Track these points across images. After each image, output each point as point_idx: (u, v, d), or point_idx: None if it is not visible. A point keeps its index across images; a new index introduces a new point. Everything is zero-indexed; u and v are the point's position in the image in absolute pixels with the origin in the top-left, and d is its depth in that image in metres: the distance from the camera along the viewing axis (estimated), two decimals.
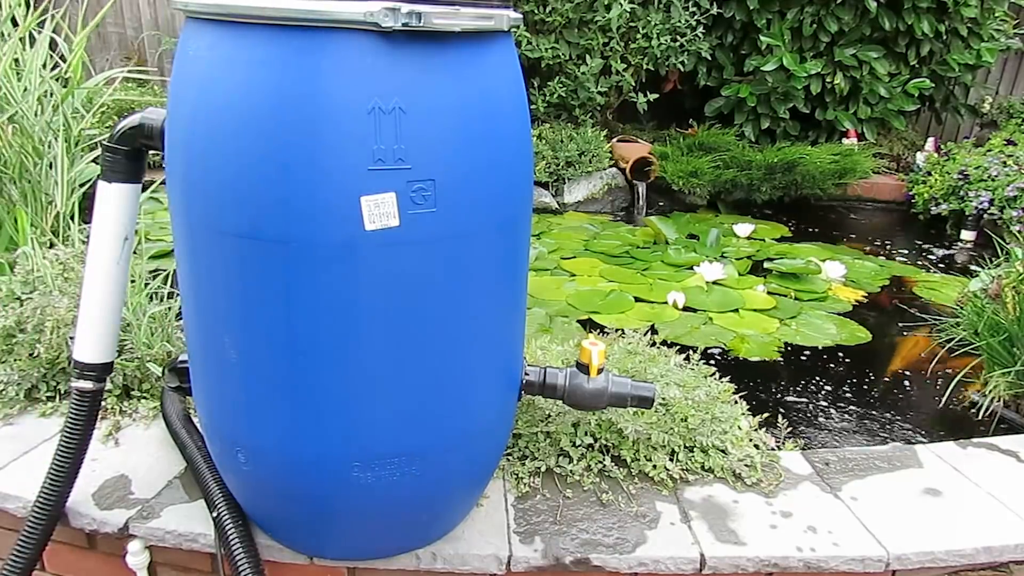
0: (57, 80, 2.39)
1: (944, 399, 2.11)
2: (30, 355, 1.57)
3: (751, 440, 1.53)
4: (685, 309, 2.72)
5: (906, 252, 3.61)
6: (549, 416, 1.47)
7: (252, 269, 0.93)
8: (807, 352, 2.43)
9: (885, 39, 4.24)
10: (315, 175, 0.87)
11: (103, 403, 1.47)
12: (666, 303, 2.75)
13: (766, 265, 3.19)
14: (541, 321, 2.55)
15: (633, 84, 4.23)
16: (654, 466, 1.43)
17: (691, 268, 3.11)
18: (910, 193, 4.21)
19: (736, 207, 4.13)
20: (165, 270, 1.93)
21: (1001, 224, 3.46)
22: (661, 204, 4.17)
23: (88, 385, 1.19)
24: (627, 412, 1.45)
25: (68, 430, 1.19)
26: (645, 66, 4.19)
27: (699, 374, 1.63)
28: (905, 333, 2.60)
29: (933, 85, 4.39)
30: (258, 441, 1.04)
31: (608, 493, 1.38)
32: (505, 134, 0.99)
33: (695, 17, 4.10)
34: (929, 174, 4.10)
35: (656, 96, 4.30)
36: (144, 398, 1.60)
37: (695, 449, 1.48)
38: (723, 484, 1.44)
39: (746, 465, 1.46)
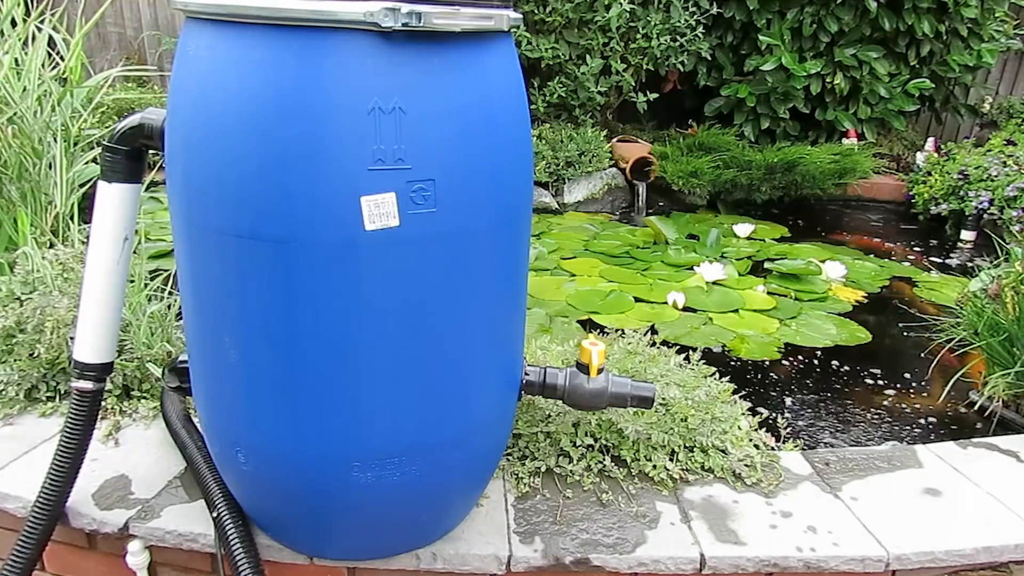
0: (56, 80, 2.39)
1: (944, 399, 2.11)
2: (30, 355, 1.57)
3: (751, 440, 1.53)
4: (685, 309, 2.72)
5: (906, 252, 3.61)
6: (549, 416, 1.47)
7: (252, 269, 0.93)
8: (807, 352, 2.43)
9: (885, 39, 4.24)
10: (315, 175, 0.87)
11: (103, 403, 1.47)
12: (666, 303, 2.75)
13: (766, 265, 3.19)
14: (541, 321, 2.54)
15: (633, 84, 4.23)
16: (654, 466, 1.43)
17: (691, 268, 3.11)
18: (910, 193, 4.21)
19: (736, 207, 4.13)
20: (165, 270, 1.93)
21: (1001, 224, 3.46)
22: (661, 204, 4.17)
23: (88, 385, 1.19)
24: (627, 412, 1.45)
25: (68, 430, 1.19)
26: (645, 66, 4.19)
27: (699, 374, 1.63)
28: (905, 333, 2.60)
29: (933, 85, 4.39)
30: (258, 441, 1.04)
31: (608, 493, 1.38)
32: (505, 134, 0.99)
33: (695, 17, 4.10)
34: (929, 174, 4.10)
35: (656, 96, 4.30)
36: (144, 398, 1.60)
37: (695, 449, 1.48)
38: (723, 484, 1.44)
39: (746, 465, 1.46)
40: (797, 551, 1.27)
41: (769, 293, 2.91)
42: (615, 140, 4.32)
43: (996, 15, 4.37)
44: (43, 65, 2.33)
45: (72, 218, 2.18)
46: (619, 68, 4.09)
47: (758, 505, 1.38)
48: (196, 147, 0.92)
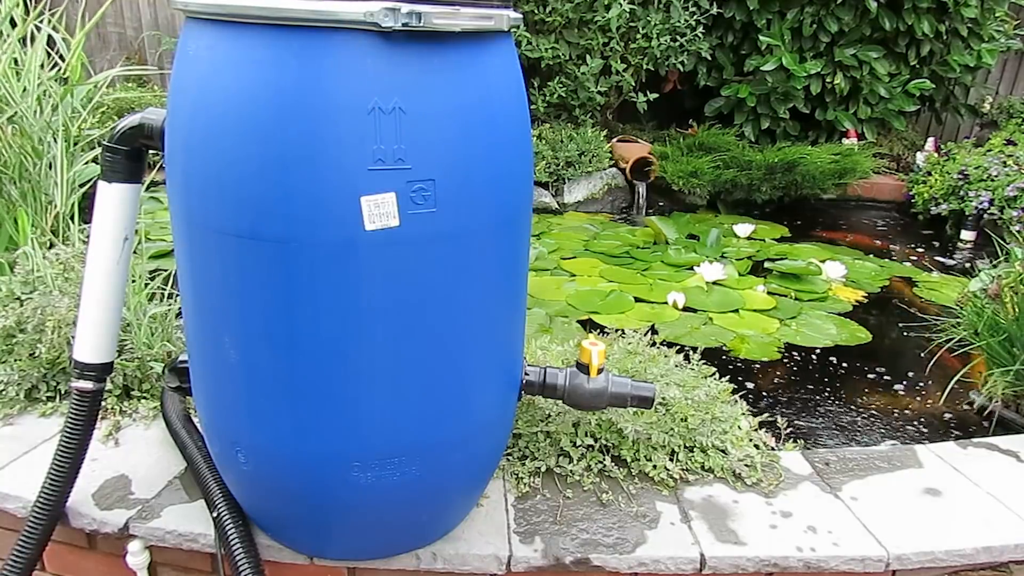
0: (56, 80, 2.39)
1: (944, 399, 2.11)
2: (30, 355, 1.57)
3: (751, 440, 1.53)
4: (685, 309, 2.72)
5: (906, 252, 3.61)
6: (549, 416, 1.47)
7: (252, 269, 0.93)
8: (807, 352, 2.43)
9: (885, 39, 4.24)
10: (315, 175, 0.87)
11: (103, 403, 1.47)
12: (666, 303, 2.75)
13: (766, 265, 3.19)
14: (541, 321, 2.55)
15: (633, 84, 4.23)
16: (654, 466, 1.43)
17: (691, 268, 3.11)
18: (910, 193, 4.21)
19: (736, 207, 4.13)
20: (165, 270, 1.93)
21: (1001, 224, 3.46)
22: (661, 204, 4.17)
23: (88, 385, 1.19)
24: (627, 412, 1.45)
25: (68, 430, 1.19)
26: (645, 66, 4.19)
27: (699, 374, 1.63)
28: (905, 333, 2.60)
29: (933, 85, 4.39)
30: (258, 441, 1.04)
31: (608, 493, 1.38)
32: (505, 134, 0.99)
33: (695, 17, 4.10)
34: (929, 174, 4.10)
35: (656, 96, 4.30)
36: (144, 398, 1.60)
37: (695, 449, 1.48)
38: (723, 484, 1.44)
39: (746, 465, 1.46)
40: (797, 551, 1.27)
41: (769, 293, 2.91)
42: (615, 140, 4.32)
43: (996, 15, 4.37)
44: (43, 65, 2.33)
45: (72, 218, 2.18)
46: (619, 68, 4.09)
47: (758, 505, 1.38)
48: (196, 147, 0.92)
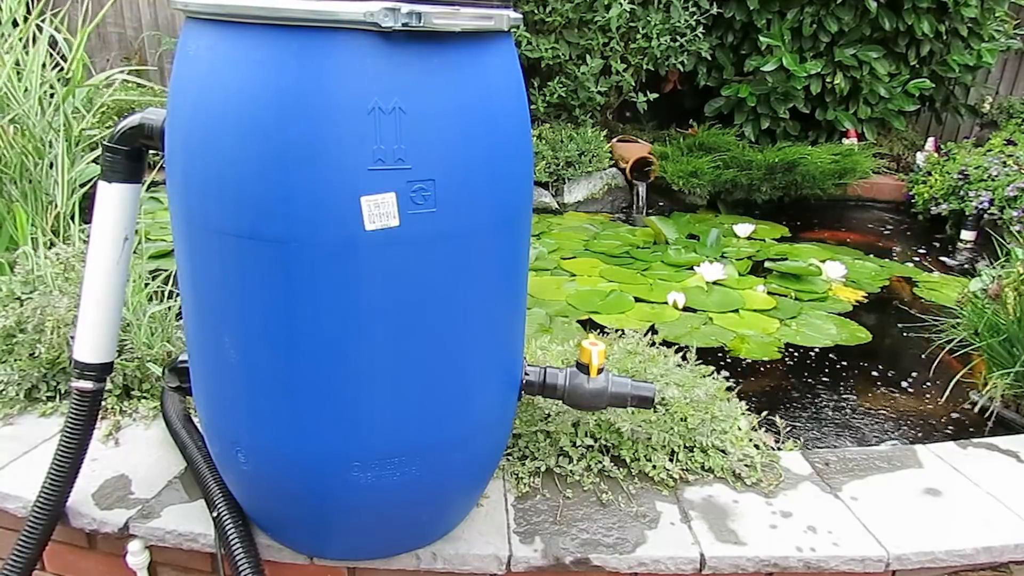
0: (58, 80, 2.40)
1: (944, 399, 2.11)
2: (30, 355, 1.57)
3: (751, 440, 1.53)
4: (685, 309, 2.72)
5: (906, 252, 3.61)
6: (549, 416, 1.47)
7: (252, 269, 0.93)
8: (807, 352, 2.43)
9: (885, 39, 4.24)
10: (315, 175, 0.87)
11: (103, 403, 1.47)
12: (666, 303, 2.75)
13: (766, 265, 3.19)
14: (541, 321, 2.54)
15: (633, 84, 4.23)
16: (654, 466, 1.43)
17: (691, 268, 3.11)
18: (910, 193, 4.21)
19: (736, 207, 4.13)
20: (165, 270, 1.93)
21: (1001, 224, 3.46)
22: (661, 204, 4.17)
23: (88, 385, 1.19)
24: (626, 412, 1.45)
25: (68, 430, 1.19)
26: (645, 66, 4.19)
27: (699, 374, 1.63)
28: (905, 334, 2.60)
29: (933, 85, 4.39)
30: (258, 441, 1.04)
31: (608, 493, 1.38)
32: (505, 134, 0.99)
33: (695, 17, 4.10)
34: (929, 174, 4.10)
35: (656, 96, 4.30)
36: (144, 398, 1.60)
37: (695, 449, 1.48)
38: (723, 484, 1.44)
39: (746, 465, 1.46)
40: (797, 551, 1.27)
41: (769, 293, 2.91)
42: (615, 140, 4.32)
43: (996, 15, 4.37)
44: (44, 65, 2.33)
45: (73, 218, 2.18)
46: (619, 68, 4.09)
47: (758, 505, 1.38)
48: (196, 147, 0.92)
